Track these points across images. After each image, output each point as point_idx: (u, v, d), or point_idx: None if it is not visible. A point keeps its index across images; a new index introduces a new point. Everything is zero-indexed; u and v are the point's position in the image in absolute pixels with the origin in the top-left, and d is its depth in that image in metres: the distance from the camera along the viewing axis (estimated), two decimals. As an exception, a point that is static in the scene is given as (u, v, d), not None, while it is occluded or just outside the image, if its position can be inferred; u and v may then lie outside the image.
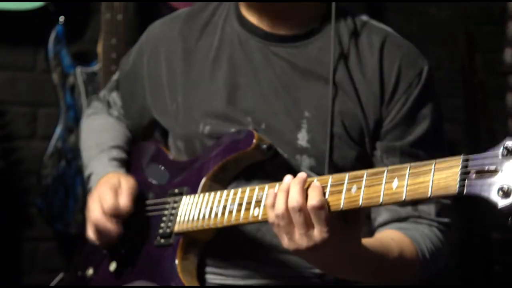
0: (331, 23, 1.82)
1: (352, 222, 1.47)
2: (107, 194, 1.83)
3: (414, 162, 1.74)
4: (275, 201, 1.48)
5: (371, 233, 1.81)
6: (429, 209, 1.78)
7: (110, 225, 1.82)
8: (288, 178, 1.50)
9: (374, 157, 1.81)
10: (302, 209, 1.44)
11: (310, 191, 1.45)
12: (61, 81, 3.25)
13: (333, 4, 1.82)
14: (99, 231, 1.84)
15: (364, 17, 1.88)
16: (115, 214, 1.82)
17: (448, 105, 4.06)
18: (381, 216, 1.80)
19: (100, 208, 1.82)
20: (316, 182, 1.47)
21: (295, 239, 1.47)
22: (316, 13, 1.86)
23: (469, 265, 3.98)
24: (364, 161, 1.80)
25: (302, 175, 1.48)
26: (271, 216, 1.49)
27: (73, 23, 3.32)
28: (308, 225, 1.44)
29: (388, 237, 1.70)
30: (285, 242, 1.49)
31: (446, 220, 1.80)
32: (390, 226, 1.78)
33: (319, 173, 1.77)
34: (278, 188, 1.50)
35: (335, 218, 1.45)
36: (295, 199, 1.45)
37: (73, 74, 3.26)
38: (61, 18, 3.24)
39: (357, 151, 1.79)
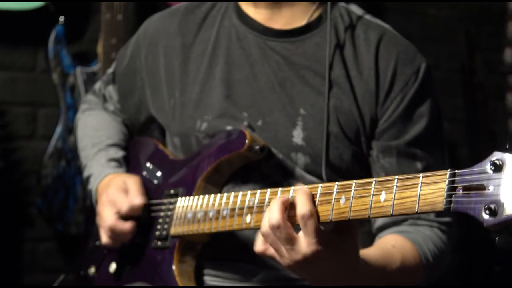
0: (329, 18, 1.81)
1: (345, 233, 1.44)
2: (118, 197, 1.83)
3: (411, 161, 1.75)
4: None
5: (370, 233, 1.81)
6: None
7: (126, 227, 1.82)
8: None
9: (370, 157, 1.79)
10: (281, 226, 1.42)
11: (298, 199, 1.43)
12: (61, 81, 3.25)
13: (329, 4, 1.82)
14: (115, 235, 1.84)
15: (362, 13, 1.85)
16: (132, 213, 1.83)
17: (448, 105, 4.08)
18: (379, 218, 1.79)
19: (114, 213, 1.83)
20: (305, 188, 1.46)
21: (284, 255, 1.45)
22: (314, 8, 1.84)
23: (469, 265, 3.98)
24: (360, 160, 1.79)
25: (283, 197, 1.47)
26: (259, 245, 1.51)
27: (73, 23, 3.33)
28: (291, 239, 1.43)
29: (389, 244, 1.68)
30: (278, 259, 1.48)
31: (447, 219, 1.78)
32: (390, 230, 1.76)
33: (315, 172, 1.76)
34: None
35: (325, 230, 1.43)
36: (274, 216, 1.43)
37: (73, 74, 3.26)
38: (61, 18, 3.25)
39: (353, 150, 1.77)
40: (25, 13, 3.20)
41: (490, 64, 4.14)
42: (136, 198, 1.83)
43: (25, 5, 3.18)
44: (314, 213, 1.41)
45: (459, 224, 4.08)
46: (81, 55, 3.36)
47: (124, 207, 1.82)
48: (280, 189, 1.54)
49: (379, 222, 1.79)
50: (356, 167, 1.78)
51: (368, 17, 1.84)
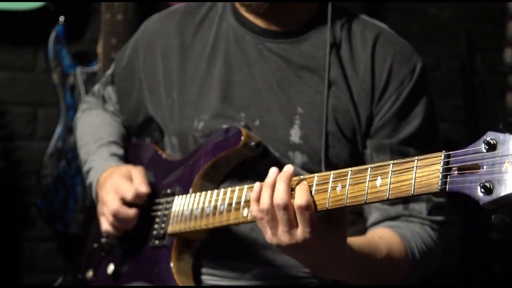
0: (325, 19, 1.82)
1: (336, 222, 1.46)
2: (124, 184, 1.84)
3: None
4: (259, 195, 1.48)
5: (364, 231, 1.81)
6: (421, 208, 1.77)
7: (130, 212, 1.82)
8: (273, 172, 1.48)
9: (365, 155, 1.80)
10: (287, 207, 1.43)
11: (297, 190, 1.44)
12: (61, 81, 3.26)
13: (329, 4, 1.82)
14: (118, 220, 1.84)
15: (358, 13, 1.87)
16: (136, 201, 1.83)
17: (448, 105, 4.08)
18: (372, 215, 1.79)
19: (119, 199, 1.83)
20: (303, 181, 1.46)
21: (278, 235, 1.46)
22: (310, 9, 1.85)
23: (469, 265, 3.98)
24: (357, 159, 1.80)
25: (288, 169, 1.47)
26: (255, 210, 1.48)
27: (73, 23, 3.33)
28: (291, 223, 1.44)
29: (377, 236, 1.69)
30: (268, 236, 1.48)
31: (439, 218, 1.79)
32: (382, 224, 1.77)
33: (311, 170, 1.76)
34: (263, 183, 1.49)
35: (319, 219, 1.44)
36: (280, 196, 1.44)
37: (73, 74, 3.26)
38: (61, 18, 3.25)
39: (349, 148, 1.79)
40: (25, 13, 3.21)
41: (490, 64, 4.14)
42: (141, 186, 1.83)
43: (25, 5, 3.18)
44: (311, 204, 1.43)
45: (459, 224, 4.09)
46: (81, 55, 3.37)
47: (130, 193, 1.82)
48: None
49: (371, 219, 1.80)
50: (353, 165, 1.78)
51: (364, 17, 1.86)
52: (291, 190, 1.46)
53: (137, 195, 1.82)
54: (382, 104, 1.77)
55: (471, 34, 4.00)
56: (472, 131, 3.98)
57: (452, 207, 1.82)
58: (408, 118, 1.77)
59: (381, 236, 1.69)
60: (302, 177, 1.48)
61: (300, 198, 1.43)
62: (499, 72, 4.19)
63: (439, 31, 4.17)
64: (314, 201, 1.44)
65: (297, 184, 1.46)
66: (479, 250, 3.90)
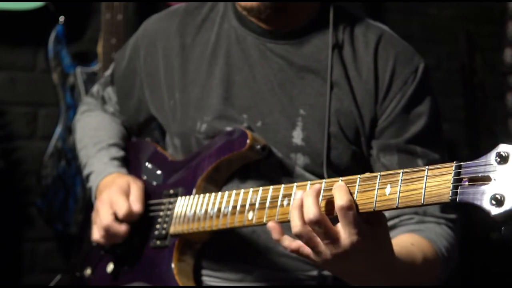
0: (326, 19, 1.82)
1: (376, 224, 1.40)
2: (119, 199, 1.83)
3: (412, 158, 1.75)
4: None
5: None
6: (434, 206, 1.76)
7: (121, 229, 1.83)
8: (299, 194, 1.42)
9: (371, 156, 1.80)
10: (320, 220, 1.37)
11: (336, 191, 1.38)
12: (61, 81, 3.25)
13: (332, 7, 1.83)
14: (109, 235, 1.84)
15: (361, 15, 1.87)
16: (128, 219, 1.83)
17: (448, 105, 4.08)
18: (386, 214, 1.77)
19: (112, 214, 1.83)
20: (341, 182, 1.41)
21: (322, 251, 1.41)
22: (312, 9, 1.85)
23: (469, 265, 3.98)
24: (359, 160, 1.80)
25: (315, 187, 1.42)
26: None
27: (73, 23, 3.33)
28: (331, 233, 1.38)
29: (408, 243, 1.66)
30: (313, 257, 1.43)
31: (453, 216, 1.79)
32: (402, 229, 1.75)
33: (314, 171, 1.77)
34: (290, 206, 1.44)
35: (360, 220, 1.38)
36: (311, 211, 1.38)
37: (73, 74, 3.26)
38: (61, 18, 3.25)
39: (352, 150, 1.78)
40: (25, 13, 3.21)
41: (490, 64, 4.14)
42: (135, 205, 1.84)
43: (25, 5, 3.18)
44: (353, 204, 1.37)
45: (459, 224, 4.07)
46: (81, 55, 3.37)
47: (122, 210, 1.82)
48: (282, 185, 1.53)
49: (387, 213, 1.78)
50: (355, 166, 1.79)
51: (367, 19, 1.86)
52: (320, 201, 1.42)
53: (129, 214, 1.82)
54: (386, 104, 1.77)
55: (471, 34, 4.00)
56: (472, 131, 3.99)
57: (451, 207, 1.82)
58: (413, 117, 1.78)
59: (412, 243, 1.65)
60: (309, 182, 1.45)
61: (341, 199, 1.37)
62: (499, 72, 4.19)
63: (439, 31, 4.17)
64: (355, 203, 1.38)
65: (336, 186, 1.39)
66: (479, 250, 3.90)
